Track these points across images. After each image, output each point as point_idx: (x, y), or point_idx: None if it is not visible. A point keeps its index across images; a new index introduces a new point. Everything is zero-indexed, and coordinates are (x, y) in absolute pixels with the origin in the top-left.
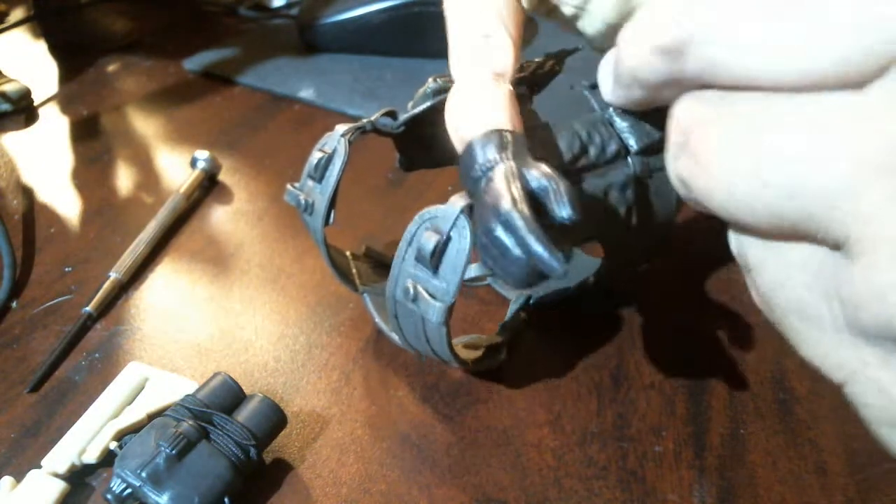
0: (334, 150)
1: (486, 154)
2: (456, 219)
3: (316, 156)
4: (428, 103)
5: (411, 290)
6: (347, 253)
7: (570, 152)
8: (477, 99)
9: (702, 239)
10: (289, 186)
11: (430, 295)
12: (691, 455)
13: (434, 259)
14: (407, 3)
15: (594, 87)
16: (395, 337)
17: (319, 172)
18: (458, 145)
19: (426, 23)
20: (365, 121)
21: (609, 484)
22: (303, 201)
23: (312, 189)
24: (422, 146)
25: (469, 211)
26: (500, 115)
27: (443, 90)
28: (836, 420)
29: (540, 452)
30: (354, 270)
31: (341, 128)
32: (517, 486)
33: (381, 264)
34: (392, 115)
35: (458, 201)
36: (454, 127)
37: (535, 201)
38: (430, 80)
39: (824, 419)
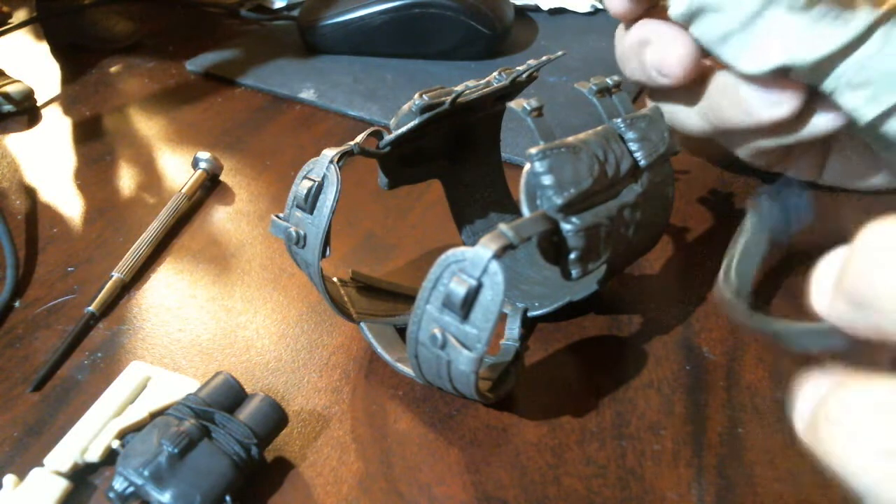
0: (324, 178)
1: None
2: (487, 265)
3: (304, 185)
4: (415, 122)
5: (439, 337)
6: (335, 279)
7: (591, 176)
8: None
9: (699, 240)
10: (274, 217)
11: (461, 343)
12: (690, 453)
13: (465, 307)
14: (408, 5)
15: (600, 91)
16: (401, 367)
17: (310, 202)
18: None
19: (427, 24)
20: (352, 143)
21: (608, 482)
22: (293, 233)
23: (302, 220)
24: (406, 164)
25: (500, 255)
26: None
27: (429, 107)
28: None
29: (539, 451)
30: (346, 298)
31: (329, 153)
32: (517, 485)
33: (369, 288)
34: (377, 134)
35: (487, 245)
36: None
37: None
38: (417, 95)
39: None
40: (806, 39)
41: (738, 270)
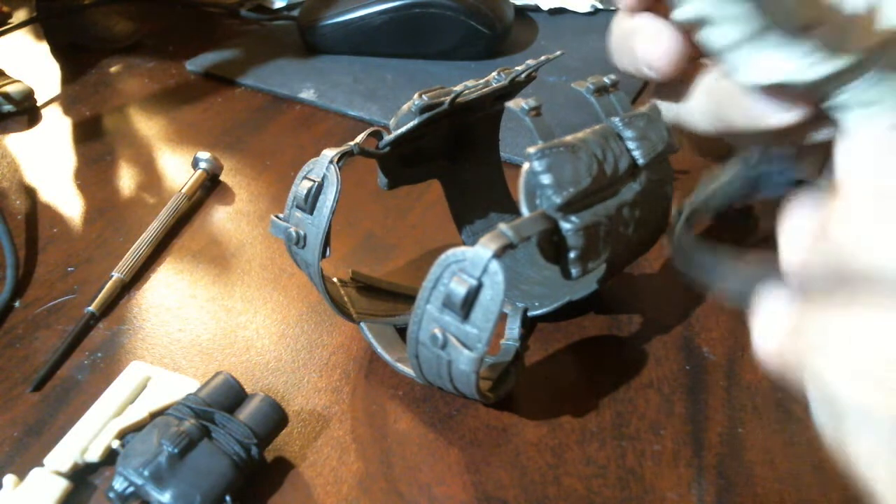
0: (324, 178)
1: None
2: (487, 264)
3: (304, 185)
4: (414, 122)
5: (440, 337)
6: (335, 279)
7: (590, 175)
8: None
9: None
10: (274, 218)
11: (461, 343)
12: (690, 453)
13: (465, 306)
14: (407, 5)
15: (598, 90)
16: (401, 367)
17: (310, 203)
18: None
19: (427, 24)
20: (351, 144)
21: (608, 482)
22: (293, 234)
23: (302, 220)
24: (405, 164)
25: (500, 255)
26: None
27: (429, 107)
28: None
29: (539, 451)
30: (346, 298)
31: (329, 153)
32: (517, 485)
33: (369, 288)
34: (377, 134)
35: (487, 245)
36: None
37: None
38: (416, 95)
39: None
40: (801, 63)
41: (707, 200)
